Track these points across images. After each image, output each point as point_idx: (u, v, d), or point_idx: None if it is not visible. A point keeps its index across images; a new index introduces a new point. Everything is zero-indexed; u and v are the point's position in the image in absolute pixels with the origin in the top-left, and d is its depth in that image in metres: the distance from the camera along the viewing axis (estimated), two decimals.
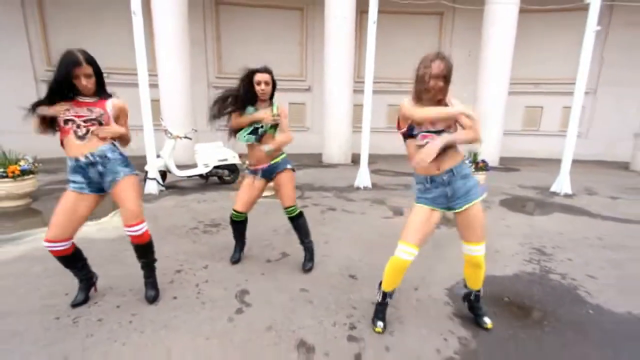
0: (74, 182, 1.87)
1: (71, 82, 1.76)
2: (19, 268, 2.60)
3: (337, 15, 7.90)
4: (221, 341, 1.79)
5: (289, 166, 2.54)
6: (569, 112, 5.64)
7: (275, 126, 2.45)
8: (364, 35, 5.64)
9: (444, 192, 1.74)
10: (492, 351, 1.76)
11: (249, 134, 2.40)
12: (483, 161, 5.36)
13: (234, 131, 2.45)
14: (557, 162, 5.81)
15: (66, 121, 1.80)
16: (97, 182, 1.90)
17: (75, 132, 1.81)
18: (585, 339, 1.88)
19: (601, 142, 9.94)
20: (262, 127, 2.40)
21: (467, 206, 1.74)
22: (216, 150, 5.52)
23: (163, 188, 5.15)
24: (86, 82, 1.78)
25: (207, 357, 1.68)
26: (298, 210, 2.60)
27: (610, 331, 1.96)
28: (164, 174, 5.32)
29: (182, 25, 7.49)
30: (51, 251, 1.89)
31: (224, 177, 5.68)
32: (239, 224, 2.71)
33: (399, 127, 1.80)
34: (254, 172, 2.55)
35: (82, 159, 1.83)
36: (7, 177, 4.15)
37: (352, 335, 1.85)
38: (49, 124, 1.83)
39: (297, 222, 2.63)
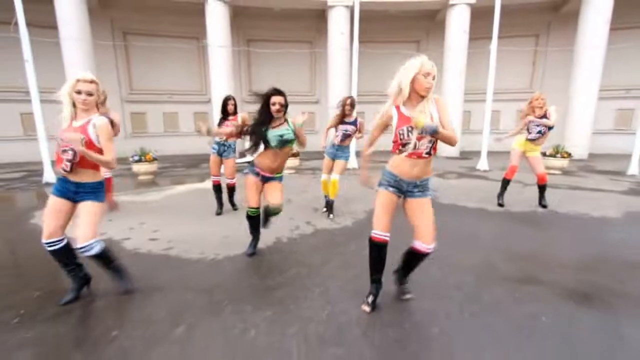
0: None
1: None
2: (182, 197, 5.75)
3: (336, 48, 10.98)
4: None
5: (282, 180, 3.09)
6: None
7: (292, 140, 2.92)
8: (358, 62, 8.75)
9: (334, 153, 4.56)
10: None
11: (278, 143, 2.82)
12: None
13: (259, 143, 2.86)
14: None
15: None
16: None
17: None
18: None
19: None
20: (288, 140, 2.86)
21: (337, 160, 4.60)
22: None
23: None
24: None
25: None
26: (280, 211, 2.99)
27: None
28: None
29: (228, 59, 10.68)
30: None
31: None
32: (255, 219, 3.10)
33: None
34: (257, 174, 2.96)
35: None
36: (145, 161, 7.35)
37: (314, 208, 4.87)
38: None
39: (271, 218, 3.11)
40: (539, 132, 4.56)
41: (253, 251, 3.20)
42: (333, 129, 4.45)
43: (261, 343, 1.95)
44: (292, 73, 12.79)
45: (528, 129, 4.65)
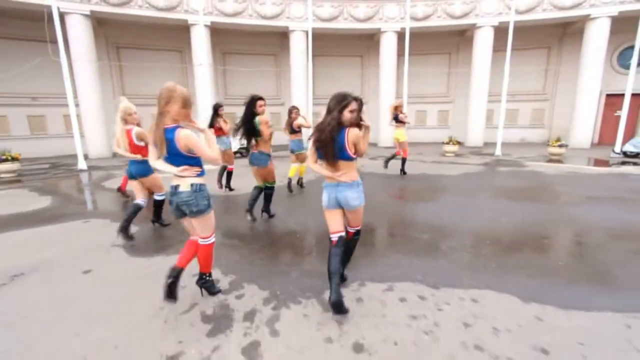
0: None
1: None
2: None
3: (298, 64, 13.96)
4: None
5: (271, 161, 4.54)
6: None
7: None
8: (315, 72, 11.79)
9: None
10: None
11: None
12: None
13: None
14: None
15: None
16: None
17: None
18: None
19: (459, 131, 16.61)
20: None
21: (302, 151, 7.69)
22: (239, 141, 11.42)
23: None
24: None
25: None
26: (273, 186, 4.66)
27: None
28: None
29: (209, 71, 13.23)
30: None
31: (242, 153, 11.59)
32: (258, 190, 4.66)
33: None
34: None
35: None
36: None
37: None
38: None
39: (269, 191, 4.70)
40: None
41: (255, 218, 4.64)
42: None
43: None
44: (262, 80, 15.58)
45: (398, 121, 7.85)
